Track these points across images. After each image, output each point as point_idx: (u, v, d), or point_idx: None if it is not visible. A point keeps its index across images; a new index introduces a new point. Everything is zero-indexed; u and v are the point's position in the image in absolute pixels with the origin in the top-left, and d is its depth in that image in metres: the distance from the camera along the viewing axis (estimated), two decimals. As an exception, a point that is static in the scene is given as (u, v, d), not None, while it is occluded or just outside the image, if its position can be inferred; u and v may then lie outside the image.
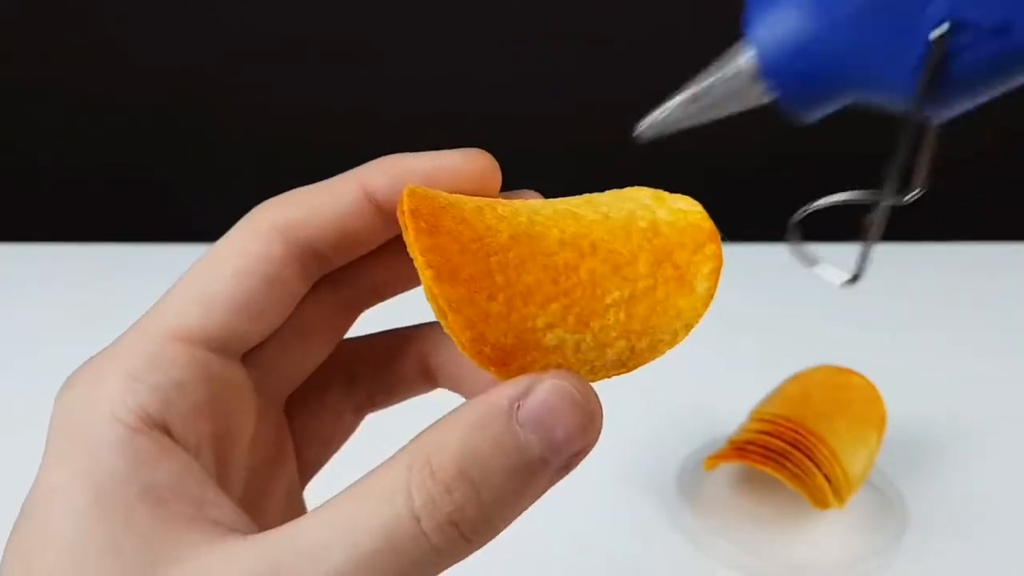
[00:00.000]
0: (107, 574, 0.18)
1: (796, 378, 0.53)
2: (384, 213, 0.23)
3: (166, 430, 0.20)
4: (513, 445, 0.18)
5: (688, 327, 0.22)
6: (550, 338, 0.20)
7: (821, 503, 0.46)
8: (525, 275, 0.20)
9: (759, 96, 0.16)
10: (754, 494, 0.50)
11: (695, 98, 0.17)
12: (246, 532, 0.19)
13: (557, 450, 0.19)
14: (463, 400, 0.20)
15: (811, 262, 0.17)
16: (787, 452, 0.47)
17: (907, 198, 0.18)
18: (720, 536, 0.47)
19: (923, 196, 0.19)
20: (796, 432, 0.47)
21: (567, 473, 0.19)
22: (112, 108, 0.89)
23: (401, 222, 0.20)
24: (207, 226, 0.23)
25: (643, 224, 0.22)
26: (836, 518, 0.49)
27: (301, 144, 0.87)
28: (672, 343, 0.22)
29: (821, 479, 0.46)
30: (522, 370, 0.20)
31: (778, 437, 0.47)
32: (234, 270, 0.22)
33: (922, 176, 0.18)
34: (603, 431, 0.19)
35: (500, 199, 0.22)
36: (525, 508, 0.19)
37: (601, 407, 0.19)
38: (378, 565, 0.17)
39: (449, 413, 0.19)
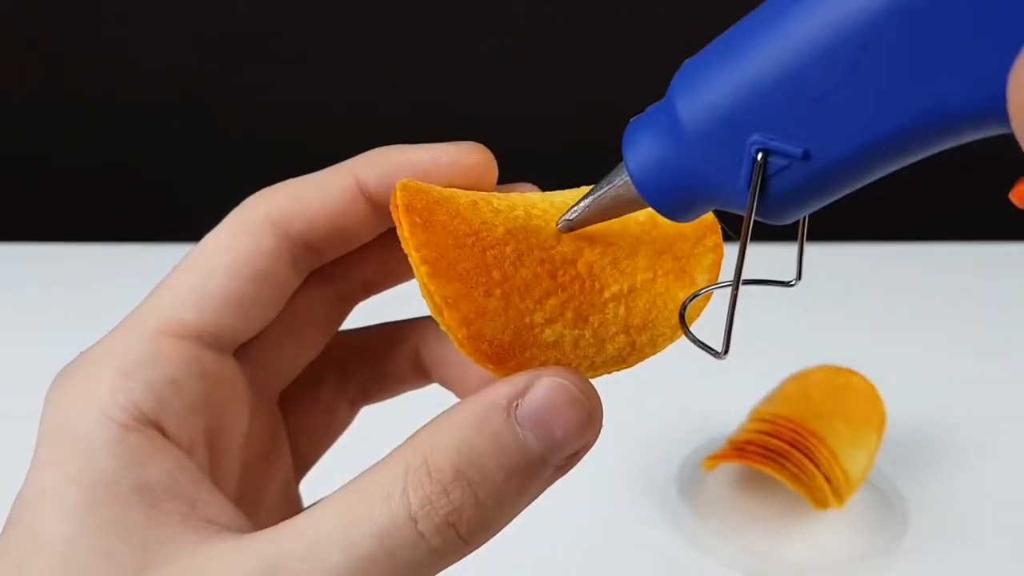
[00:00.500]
0: None
1: (796, 378, 0.52)
2: (376, 206, 0.22)
3: (159, 428, 0.20)
4: (511, 444, 0.18)
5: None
6: (548, 334, 0.19)
7: (821, 503, 0.46)
8: (522, 270, 0.19)
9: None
10: (754, 494, 0.50)
11: (598, 201, 0.20)
12: (240, 530, 0.19)
13: (556, 449, 0.18)
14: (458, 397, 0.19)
15: (714, 353, 0.19)
16: (787, 452, 0.46)
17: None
18: (720, 536, 0.47)
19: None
20: (796, 432, 0.47)
21: (566, 472, 0.19)
22: (112, 108, 0.89)
23: (394, 217, 0.20)
24: (207, 226, 0.22)
25: (642, 216, 0.21)
26: (836, 518, 0.48)
27: (301, 144, 0.87)
28: (672, 338, 0.21)
29: (821, 479, 0.46)
30: (520, 367, 0.19)
31: (778, 437, 0.47)
32: (226, 264, 0.21)
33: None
34: (603, 430, 0.19)
35: (496, 193, 0.22)
36: (523, 508, 0.19)
37: (601, 404, 0.19)
38: (374, 566, 0.17)
39: (447, 411, 0.19)
